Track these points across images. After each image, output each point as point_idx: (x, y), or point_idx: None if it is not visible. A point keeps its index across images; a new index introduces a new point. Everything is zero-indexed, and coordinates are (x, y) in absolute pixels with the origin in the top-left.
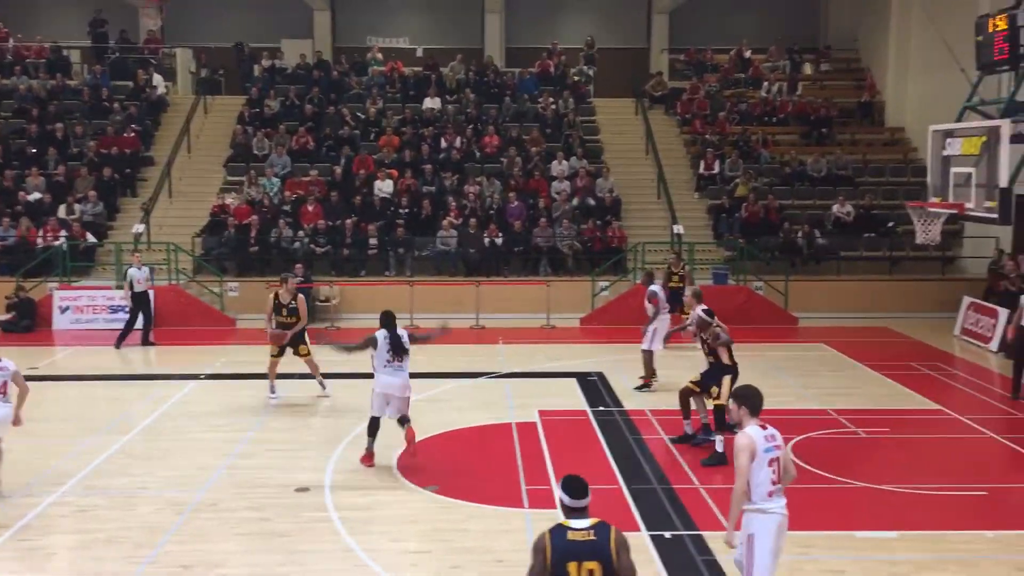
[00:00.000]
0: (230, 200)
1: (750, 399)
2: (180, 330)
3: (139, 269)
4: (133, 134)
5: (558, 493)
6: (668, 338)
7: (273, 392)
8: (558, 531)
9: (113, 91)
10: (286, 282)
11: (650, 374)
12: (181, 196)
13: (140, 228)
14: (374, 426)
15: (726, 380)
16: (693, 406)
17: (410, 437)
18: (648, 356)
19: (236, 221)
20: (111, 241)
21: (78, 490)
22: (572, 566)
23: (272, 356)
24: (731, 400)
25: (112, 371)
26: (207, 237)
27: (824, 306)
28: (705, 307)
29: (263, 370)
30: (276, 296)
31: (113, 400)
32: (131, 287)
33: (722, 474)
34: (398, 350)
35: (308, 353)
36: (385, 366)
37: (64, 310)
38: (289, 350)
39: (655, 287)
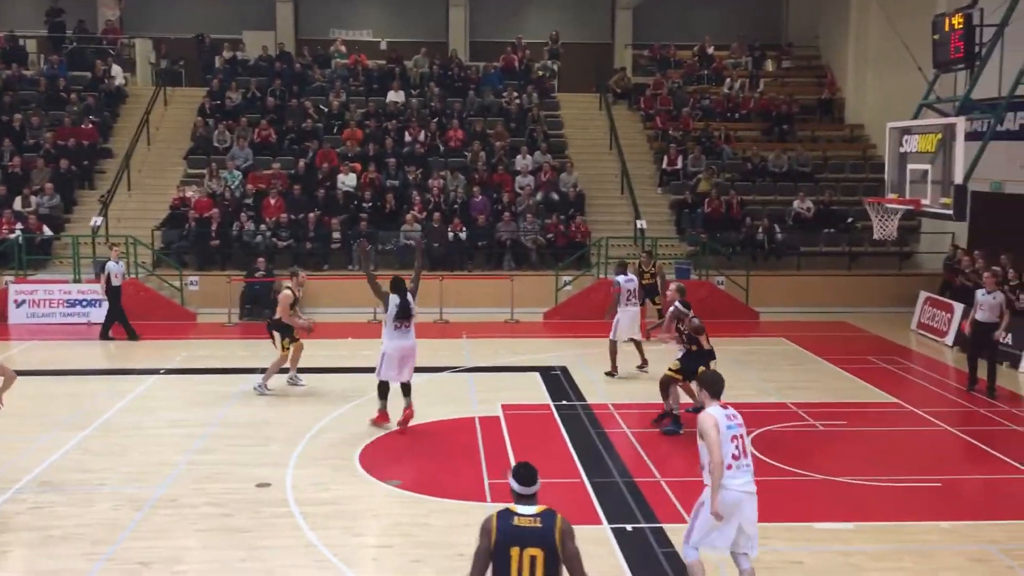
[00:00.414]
0: (191, 193)
1: (711, 383)
2: (140, 324)
3: (116, 263)
4: (91, 125)
5: (509, 480)
6: (651, 333)
7: (298, 378)
8: (505, 515)
9: (71, 81)
10: (296, 276)
11: (613, 365)
12: (140, 189)
13: (98, 221)
14: (384, 389)
15: (713, 364)
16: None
17: (407, 416)
18: (612, 346)
19: (197, 214)
20: (68, 234)
21: (34, 487)
22: (515, 551)
23: (284, 349)
24: (694, 384)
25: (70, 366)
26: (167, 230)
27: (784, 301)
28: (682, 300)
29: (224, 365)
30: (292, 291)
31: (71, 395)
32: (108, 280)
33: (683, 465)
34: (405, 315)
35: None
36: (395, 330)
37: (20, 304)
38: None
39: (620, 277)
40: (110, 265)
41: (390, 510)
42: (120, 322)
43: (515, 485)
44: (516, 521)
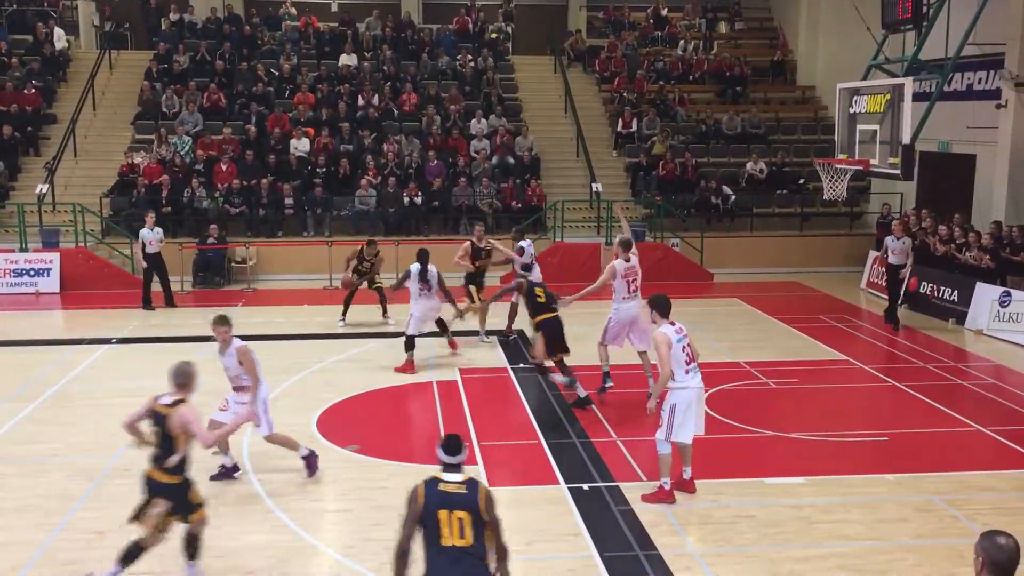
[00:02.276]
0: (139, 159)
1: (659, 304)
2: (89, 293)
3: (151, 230)
4: (34, 91)
5: (437, 451)
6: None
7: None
8: (431, 483)
9: (11, 45)
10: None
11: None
12: (87, 155)
13: (44, 188)
14: (411, 343)
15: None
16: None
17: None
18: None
19: (146, 181)
20: (13, 202)
21: None
22: (443, 513)
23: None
24: (646, 304)
25: (18, 336)
26: (115, 197)
27: (738, 262)
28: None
29: (177, 333)
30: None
31: (20, 366)
32: (143, 247)
33: (639, 426)
34: (425, 280)
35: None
36: (420, 294)
37: None
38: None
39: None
40: (143, 232)
41: (348, 475)
42: (163, 288)
43: (442, 455)
44: (442, 487)
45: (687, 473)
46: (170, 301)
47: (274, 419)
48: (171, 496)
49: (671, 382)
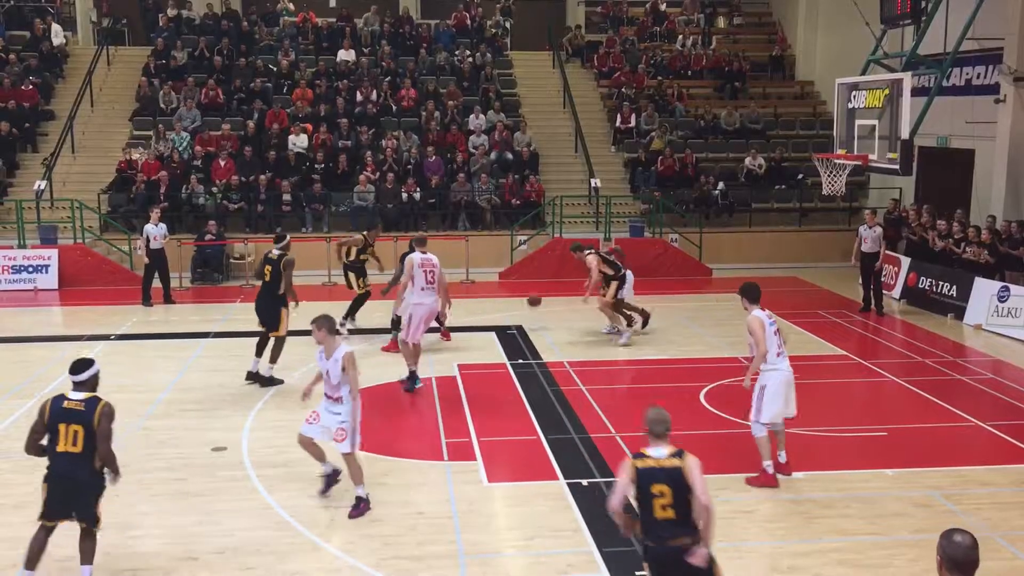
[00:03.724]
0: (137, 155)
1: (749, 292)
2: (88, 290)
3: (156, 226)
4: (31, 87)
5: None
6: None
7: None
8: (58, 399)
9: (9, 41)
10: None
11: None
12: (85, 151)
13: (42, 185)
14: (398, 323)
15: (613, 284)
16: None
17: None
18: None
19: (144, 177)
20: (11, 199)
21: None
22: (62, 427)
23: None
24: (738, 292)
25: (17, 333)
26: (114, 194)
27: (737, 257)
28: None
29: (176, 329)
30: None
31: (19, 363)
32: (147, 243)
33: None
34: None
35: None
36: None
37: None
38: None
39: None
40: (148, 228)
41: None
42: (163, 285)
43: (71, 376)
44: (65, 404)
45: (782, 457)
46: (168, 298)
47: (271, 416)
48: None
49: (763, 364)
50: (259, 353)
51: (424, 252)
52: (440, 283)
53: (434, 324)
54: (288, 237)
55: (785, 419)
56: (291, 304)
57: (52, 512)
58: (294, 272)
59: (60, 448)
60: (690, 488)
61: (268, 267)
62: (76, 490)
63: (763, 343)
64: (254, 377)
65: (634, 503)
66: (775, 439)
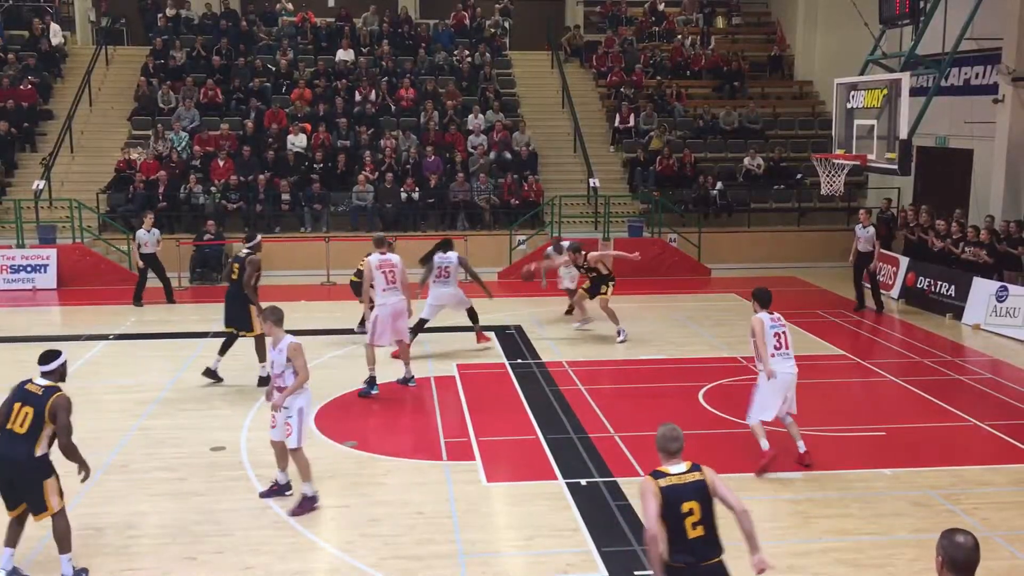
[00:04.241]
0: (136, 155)
1: (760, 296)
2: (86, 290)
3: (148, 232)
4: (30, 86)
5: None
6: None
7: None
8: (24, 382)
9: (7, 41)
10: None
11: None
12: (83, 151)
13: (40, 184)
14: (420, 325)
15: (611, 284)
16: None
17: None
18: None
19: (143, 177)
20: (9, 198)
21: None
22: (16, 406)
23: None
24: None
25: (15, 332)
26: (112, 193)
27: (736, 257)
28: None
29: (174, 329)
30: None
31: (17, 362)
32: (139, 248)
33: (637, 420)
34: (441, 268)
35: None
36: (435, 281)
37: None
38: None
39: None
40: (139, 233)
41: (347, 470)
42: (163, 285)
43: (38, 365)
44: (27, 386)
45: (801, 447)
46: (170, 298)
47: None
48: None
49: (759, 364)
50: (223, 352)
51: (383, 253)
52: (403, 282)
53: (467, 323)
54: (259, 237)
55: (790, 414)
56: (254, 309)
57: (6, 498)
58: (262, 273)
59: (8, 426)
60: (712, 501)
61: (236, 265)
62: (16, 471)
63: (761, 345)
64: (212, 375)
65: (660, 525)
66: (789, 435)
